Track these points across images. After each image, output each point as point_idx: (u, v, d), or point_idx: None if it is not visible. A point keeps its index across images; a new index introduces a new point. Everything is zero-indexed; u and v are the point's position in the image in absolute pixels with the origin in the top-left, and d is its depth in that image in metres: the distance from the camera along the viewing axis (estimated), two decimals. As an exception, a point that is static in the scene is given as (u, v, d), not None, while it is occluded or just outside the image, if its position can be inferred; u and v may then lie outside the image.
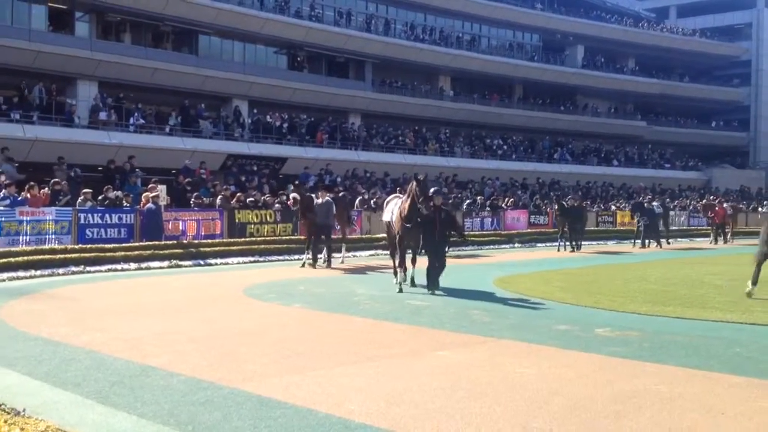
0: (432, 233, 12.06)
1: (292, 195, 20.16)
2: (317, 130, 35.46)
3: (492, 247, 24.83)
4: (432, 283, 12.09)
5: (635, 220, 26.76)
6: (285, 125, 34.19)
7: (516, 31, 49.96)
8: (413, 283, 12.81)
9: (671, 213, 32.87)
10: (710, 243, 29.21)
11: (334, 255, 17.83)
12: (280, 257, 19.07)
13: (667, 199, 35.59)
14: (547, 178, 41.83)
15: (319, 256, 17.41)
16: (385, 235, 15.91)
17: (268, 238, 20.66)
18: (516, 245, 25.89)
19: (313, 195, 17.62)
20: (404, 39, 42.55)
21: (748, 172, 57.10)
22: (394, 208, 12.77)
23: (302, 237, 19.14)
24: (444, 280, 12.40)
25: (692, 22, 61.44)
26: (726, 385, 6.17)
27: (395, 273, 12.74)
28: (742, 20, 62.14)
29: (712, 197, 35.40)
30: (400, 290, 12.15)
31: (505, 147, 44.89)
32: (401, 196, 13.31)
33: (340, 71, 40.99)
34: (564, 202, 24.85)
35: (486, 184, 36.52)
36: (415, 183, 11.96)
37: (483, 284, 13.54)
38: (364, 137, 37.73)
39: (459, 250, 20.71)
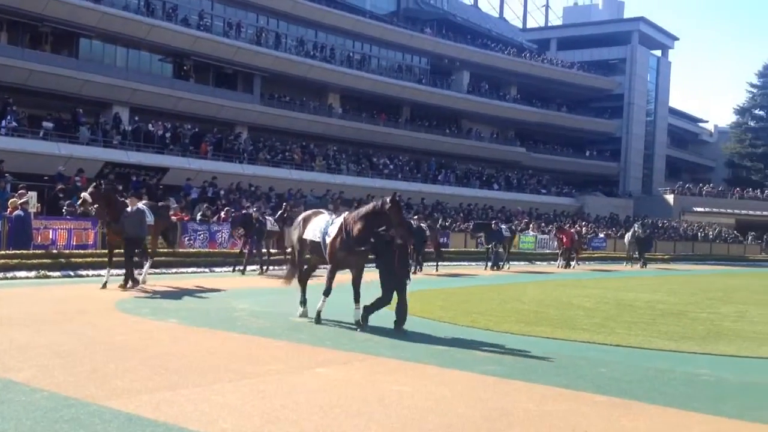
0: (391, 263, 10.21)
1: (83, 194, 15.44)
2: (202, 141, 34.72)
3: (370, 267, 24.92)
4: (367, 316, 10.40)
5: (478, 240, 26.42)
6: (168, 134, 33.29)
7: (405, 54, 50.85)
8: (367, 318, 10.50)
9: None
10: (558, 267, 29.83)
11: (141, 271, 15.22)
12: (157, 270, 18.48)
13: (515, 224, 36.67)
14: (432, 198, 42.61)
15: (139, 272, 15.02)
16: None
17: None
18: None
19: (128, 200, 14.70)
20: (295, 54, 42.45)
21: (618, 200, 60.25)
22: (325, 227, 10.59)
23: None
24: (329, 299, 12.30)
25: (571, 55, 64.48)
26: (591, 404, 6.42)
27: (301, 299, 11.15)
28: (617, 56, 65.74)
29: (568, 224, 36.81)
30: (318, 320, 10.57)
31: (391, 166, 45.45)
32: (324, 212, 11.36)
33: (228, 83, 40.40)
34: (410, 222, 23.88)
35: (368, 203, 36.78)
36: (390, 204, 9.92)
37: (364, 302, 13.56)
38: (251, 150, 37.27)
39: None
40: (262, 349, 8.52)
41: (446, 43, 51.59)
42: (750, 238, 55.48)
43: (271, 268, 20.09)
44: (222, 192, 29.66)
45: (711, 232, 53.20)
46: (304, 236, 10.96)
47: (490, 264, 26.18)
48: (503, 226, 27.88)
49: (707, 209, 58.60)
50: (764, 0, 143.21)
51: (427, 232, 24.08)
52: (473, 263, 29.12)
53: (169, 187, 28.56)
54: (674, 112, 76.41)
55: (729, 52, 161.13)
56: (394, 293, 10.28)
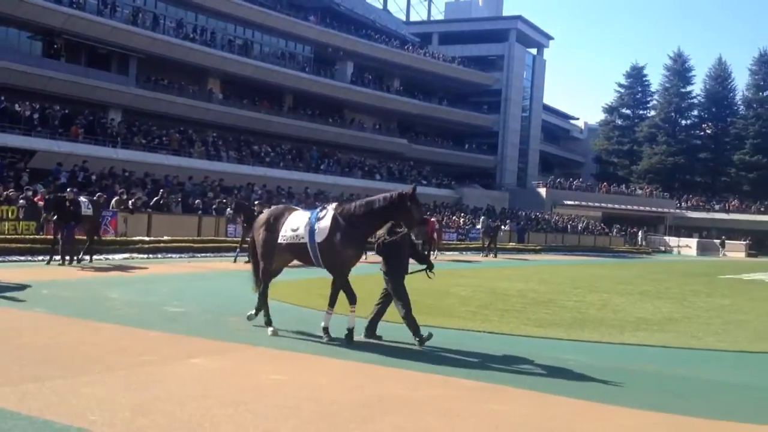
0: (402, 264, 8.99)
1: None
2: (72, 123, 33.09)
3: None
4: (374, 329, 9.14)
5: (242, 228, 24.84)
6: (36, 115, 31.55)
7: (289, 41, 50.38)
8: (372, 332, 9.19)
9: None
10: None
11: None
12: (22, 257, 17.57)
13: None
14: (314, 188, 42.49)
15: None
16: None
17: (8, 237, 18.92)
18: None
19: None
20: (173, 36, 41.20)
21: (495, 192, 62.16)
22: (310, 225, 8.74)
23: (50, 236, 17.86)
24: (205, 288, 12.09)
25: (452, 50, 65.77)
26: (463, 390, 6.62)
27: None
28: (496, 52, 67.66)
29: (429, 213, 34.84)
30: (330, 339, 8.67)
31: (273, 154, 44.98)
32: (297, 208, 9.65)
33: (101, 63, 38.75)
34: (254, 208, 21.04)
35: (252, 191, 36.30)
36: (410, 201, 8.56)
37: (243, 291, 13.37)
38: (125, 134, 35.91)
39: (222, 257, 20.37)
40: (134, 340, 8.27)
41: (330, 32, 51.47)
42: (615, 230, 58.56)
43: (87, 257, 18.15)
44: (94, 177, 28.44)
45: (580, 225, 55.76)
46: (281, 239, 8.96)
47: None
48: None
49: (577, 202, 61.37)
50: (633, 5, 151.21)
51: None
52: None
53: (37, 171, 27.14)
54: (548, 109, 79.60)
55: (599, 54, 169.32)
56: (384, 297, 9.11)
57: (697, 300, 16.44)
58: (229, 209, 24.43)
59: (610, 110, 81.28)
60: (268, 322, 9.04)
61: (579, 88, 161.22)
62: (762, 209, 63.97)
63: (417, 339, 8.51)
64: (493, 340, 9.46)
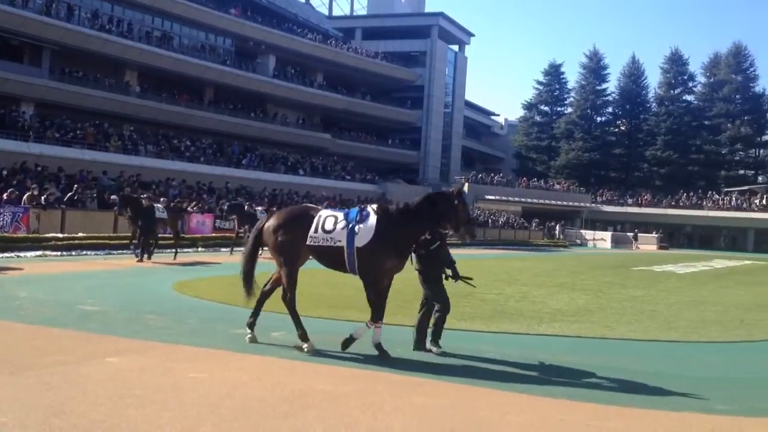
0: (440, 267, 8.45)
1: None
2: (-19, 116, 31.78)
3: (174, 251, 24.22)
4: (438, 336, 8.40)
5: (235, 225, 23.86)
6: (-59, 108, 30.16)
7: (209, 33, 49.53)
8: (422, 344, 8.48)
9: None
10: None
11: None
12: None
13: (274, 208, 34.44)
14: (236, 183, 41.94)
15: None
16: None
17: None
18: (200, 249, 25.56)
19: None
20: (88, 27, 39.95)
21: (418, 187, 62.53)
22: (348, 227, 7.87)
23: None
24: (122, 285, 11.77)
25: (376, 45, 65.97)
26: (387, 384, 6.65)
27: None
28: (419, 48, 68.22)
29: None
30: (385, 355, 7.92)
31: (193, 149, 44.17)
32: (318, 207, 8.68)
33: (12, 54, 37.27)
34: (142, 200, 20.05)
35: (171, 186, 35.58)
36: (456, 200, 7.95)
37: (162, 289, 13.16)
38: (37, 128, 34.64)
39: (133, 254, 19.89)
40: (47, 339, 7.99)
41: (252, 25, 50.86)
42: (534, 224, 59.88)
43: None
44: (5, 172, 27.34)
45: (500, 219, 56.77)
46: (310, 241, 7.99)
47: (237, 249, 22.93)
48: (259, 208, 25.15)
49: (498, 197, 62.42)
50: (551, 3, 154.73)
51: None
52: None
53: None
54: (470, 105, 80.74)
55: (519, 51, 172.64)
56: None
57: (611, 291, 16.97)
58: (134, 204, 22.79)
59: (529, 107, 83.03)
60: (303, 336, 8.02)
61: (499, 85, 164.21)
62: (672, 203, 66.45)
63: (435, 346, 8.21)
64: (406, 332, 9.50)
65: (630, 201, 68.67)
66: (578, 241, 59.51)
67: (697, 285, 20.70)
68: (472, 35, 75.78)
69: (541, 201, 64.98)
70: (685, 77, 78.26)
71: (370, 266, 7.86)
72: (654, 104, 79.40)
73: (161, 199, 23.98)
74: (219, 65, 48.28)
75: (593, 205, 68.25)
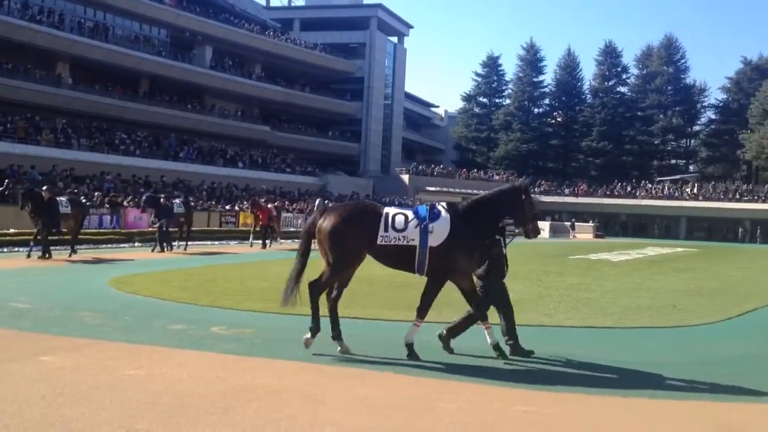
0: (501, 267, 8.18)
1: None
2: None
3: (110, 246, 23.74)
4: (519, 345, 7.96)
5: (151, 220, 22.97)
6: None
7: (144, 24, 48.54)
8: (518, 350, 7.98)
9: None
10: (250, 246, 26.33)
11: None
12: None
13: (191, 198, 31.86)
14: (172, 176, 41.21)
15: None
16: None
17: None
18: (137, 245, 25.08)
19: None
20: (18, 18, 38.66)
21: (359, 179, 62.71)
22: (421, 224, 7.50)
23: None
24: (55, 282, 11.46)
25: (314, 36, 65.59)
26: (329, 376, 6.64)
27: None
28: (358, 40, 68.11)
29: (265, 199, 32.48)
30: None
31: (128, 142, 43.23)
32: (379, 205, 8.08)
33: (-63, 46, 35.87)
34: (42, 193, 18.85)
35: (105, 180, 34.79)
36: (524, 194, 7.93)
37: (97, 285, 12.85)
38: (-35, 122, 33.47)
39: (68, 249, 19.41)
40: (-25, 340, 7.73)
41: (187, 15, 49.96)
42: (474, 215, 60.52)
43: None
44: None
45: (441, 210, 57.15)
46: (381, 240, 7.50)
47: (160, 246, 22.00)
48: (176, 201, 24.25)
49: (438, 189, 62.85)
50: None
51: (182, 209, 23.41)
52: (217, 242, 28.76)
53: None
54: (410, 97, 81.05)
55: (458, 43, 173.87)
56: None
57: (549, 280, 17.27)
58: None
59: (468, 99, 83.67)
60: (337, 336, 7.75)
61: (439, 77, 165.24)
62: (608, 193, 67.95)
63: (510, 343, 7.84)
64: (360, 326, 9.52)
65: (567, 191, 69.93)
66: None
67: (632, 272, 21.21)
68: (411, 27, 76.06)
69: (482, 192, 65.60)
70: (619, 69, 79.93)
71: (443, 266, 7.53)
72: (589, 96, 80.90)
73: (176, 199, 24.15)
74: (154, 56, 47.34)
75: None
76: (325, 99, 62.69)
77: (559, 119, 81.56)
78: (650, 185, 69.17)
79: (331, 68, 63.47)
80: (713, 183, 68.25)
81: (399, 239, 7.48)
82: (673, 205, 64.44)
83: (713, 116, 79.79)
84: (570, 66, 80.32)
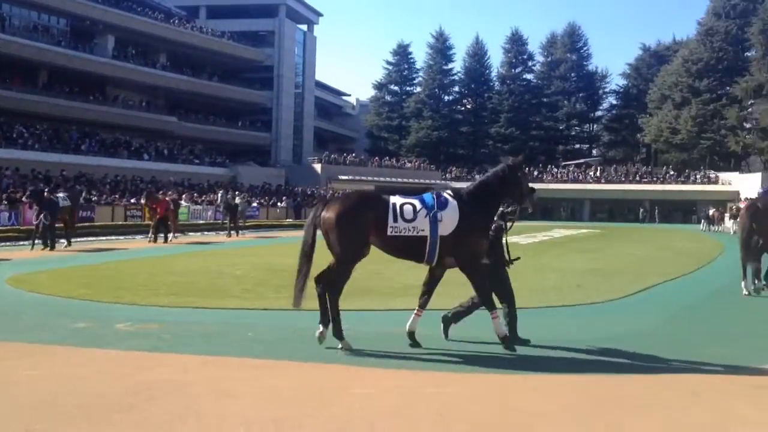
0: (501, 254, 8.15)
1: None
2: None
3: (9, 244, 22.78)
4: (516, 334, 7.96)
5: (34, 215, 21.38)
6: None
7: (42, 13, 46.66)
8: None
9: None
10: (149, 241, 24.91)
11: None
12: None
13: (78, 188, 31.16)
14: (73, 170, 39.72)
15: None
16: None
17: None
18: (37, 242, 24.09)
19: None
20: None
21: (270, 169, 62.05)
22: (431, 213, 7.40)
23: None
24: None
25: (221, 25, 64.31)
26: (238, 369, 6.59)
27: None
28: (266, 28, 67.14)
29: (161, 192, 31.63)
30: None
31: (26, 135, 41.45)
32: (379, 194, 7.85)
33: None
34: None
35: (4, 176, 33.30)
36: (519, 171, 7.89)
37: (-6, 284, 12.32)
38: None
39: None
40: None
41: (87, 3, 48.17)
42: (387, 203, 60.87)
43: None
44: None
45: (354, 198, 57.18)
46: (390, 231, 7.32)
47: (38, 243, 20.75)
48: (60, 195, 22.87)
49: (351, 177, 62.86)
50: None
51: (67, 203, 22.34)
52: (122, 237, 27.99)
53: None
54: (321, 86, 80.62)
55: (368, 31, 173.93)
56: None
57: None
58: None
59: (379, 87, 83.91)
60: (340, 336, 7.50)
61: (350, 66, 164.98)
62: (516, 178, 69.44)
63: (506, 338, 7.63)
64: (269, 317, 9.48)
65: (477, 177, 70.92)
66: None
67: (538, 254, 21.76)
68: (321, 15, 75.62)
69: (394, 179, 66.06)
70: (525, 57, 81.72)
71: (463, 253, 7.45)
72: (497, 83, 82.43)
73: (60, 193, 22.89)
74: (53, 46, 45.56)
75: (443, 181, 70.16)
76: (234, 88, 61.71)
77: (469, 106, 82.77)
78: (556, 169, 71.18)
79: (239, 57, 62.50)
80: (615, 166, 70.79)
81: (409, 230, 7.32)
82: (577, 188, 66.56)
83: (614, 102, 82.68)
84: (478, 54, 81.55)
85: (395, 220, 7.30)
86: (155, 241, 24.69)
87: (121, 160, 46.16)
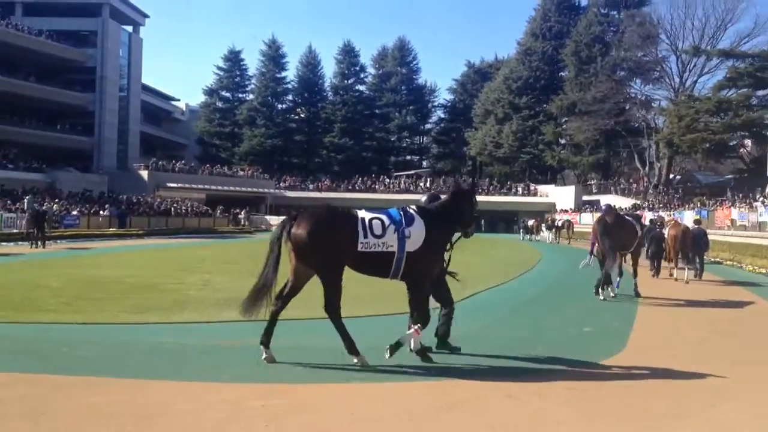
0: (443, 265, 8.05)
1: None
2: None
3: None
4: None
5: None
6: None
7: None
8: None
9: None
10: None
11: None
12: None
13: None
14: None
15: None
16: None
17: None
18: None
19: None
20: None
21: (92, 176, 58.88)
22: (399, 228, 7.38)
23: None
24: None
25: (39, 23, 60.46)
26: (54, 387, 6.19)
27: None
28: (88, 27, 63.85)
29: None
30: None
31: None
32: (347, 209, 7.72)
33: None
34: None
35: None
36: (473, 195, 8.18)
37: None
38: None
39: None
40: None
41: None
42: (219, 211, 59.60)
43: None
44: None
45: (183, 207, 55.62)
46: (361, 247, 7.19)
47: None
48: None
49: (180, 185, 61.03)
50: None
51: None
52: None
53: None
54: (148, 89, 77.71)
55: (198, 36, 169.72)
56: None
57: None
58: None
59: (210, 92, 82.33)
60: (351, 349, 7.30)
61: (179, 70, 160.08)
62: (349, 188, 70.44)
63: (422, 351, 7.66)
64: (88, 331, 8.99)
65: (311, 186, 71.38)
66: (263, 227, 60.51)
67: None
68: (147, 16, 72.86)
69: (226, 188, 64.91)
70: (357, 68, 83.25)
71: (419, 270, 7.41)
72: (330, 93, 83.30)
73: None
74: None
75: (277, 190, 69.83)
76: (53, 89, 58.16)
77: (303, 115, 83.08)
78: (388, 180, 72.84)
79: (58, 56, 59.02)
80: (443, 177, 73.55)
81: (379, 245, 7.23)
82: (408, 198, 67.94)
83: (442, 115, 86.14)
84: (311, 63, 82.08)
85: (365, 236, 7.23)
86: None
87: None
